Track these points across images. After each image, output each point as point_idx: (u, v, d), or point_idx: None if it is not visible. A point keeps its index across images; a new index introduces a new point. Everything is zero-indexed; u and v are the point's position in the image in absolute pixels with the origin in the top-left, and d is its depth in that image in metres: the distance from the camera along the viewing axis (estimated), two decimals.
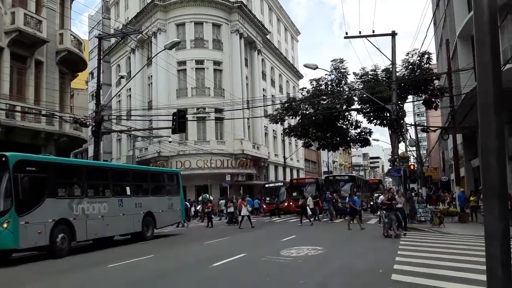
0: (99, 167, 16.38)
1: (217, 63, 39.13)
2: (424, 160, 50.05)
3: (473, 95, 15.66)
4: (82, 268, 10.70)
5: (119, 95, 39.81)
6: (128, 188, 16.66)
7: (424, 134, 69.20)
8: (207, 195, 32.51)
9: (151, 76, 39.92)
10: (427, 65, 25.87)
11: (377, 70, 27.39)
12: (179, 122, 18.73)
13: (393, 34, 22.79)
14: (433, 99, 26.65)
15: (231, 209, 25.54)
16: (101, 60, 22.06)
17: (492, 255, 2.42)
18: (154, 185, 18.78)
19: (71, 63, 23.88)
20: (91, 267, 10.85)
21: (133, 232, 16.91)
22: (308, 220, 22.83)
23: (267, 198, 34.08)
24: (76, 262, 11.85)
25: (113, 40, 43.67)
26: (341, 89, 28.75)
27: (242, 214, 22.48)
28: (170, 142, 33.21)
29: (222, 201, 31.20)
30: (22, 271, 10.84)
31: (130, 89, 41.18)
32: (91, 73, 49.97)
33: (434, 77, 26.59)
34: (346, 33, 23.03)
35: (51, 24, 22.03)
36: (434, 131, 33.69)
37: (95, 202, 14.49)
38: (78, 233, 13.53)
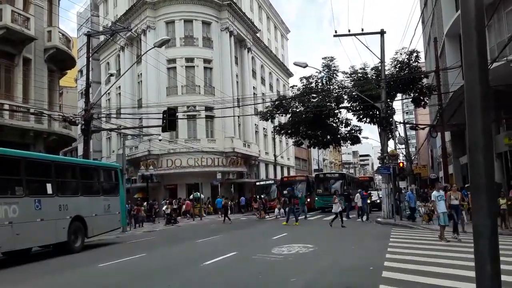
0: (5, 156, 11.83)
1: (207, 61, 39.03)
2: (413, 157, 50.45)
3: (461, 93, 15.84)
4: None
5: (108, 93, 39.52)
6: (49, 186, 13.05)
7: (413, 132, 69.74)
8: (198, 194, 32.50)
9: (141, 74, 39.69)
10: (416, 63, 26.07)
11: (366, 68, 27.55)
12: (170, 120, 18.59)
13: (382, 33, 22.90)
14: (422, 97, 26.88)
15: (168, 210, 26.93)
16: (90, 58, 21.91)
17: (481, 251, 2.45)
18: (85, 182, 15.48)
19: (59, 61, 23.68)
20: None
21: (56, 243, 13.42)
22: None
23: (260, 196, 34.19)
24: None
25: (102, 37, 43.31)
26: (331, 87, 28.86)
27: (333, 211, 19.74)
28: (160, 140, 33.06)
29: (163, 202, 31.45)
30: None
31: (119, 87, 40.90)
32: (80, 71, 49.56)
33: (422, 76, 26.79)
34: (336, 31, 23.04)
35: (39, 21, 21.81)
36: (423, 129, 33.97)
37: (0, 204, 11.12)
38: None
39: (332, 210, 20.04)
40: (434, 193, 13.56)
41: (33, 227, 12.00)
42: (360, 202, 23.44)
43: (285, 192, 29.84)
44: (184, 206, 32.30)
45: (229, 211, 27.73)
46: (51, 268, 10.94)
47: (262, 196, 32.94)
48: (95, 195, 15.68)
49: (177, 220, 27.74)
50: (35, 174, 12.90)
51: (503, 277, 2.67)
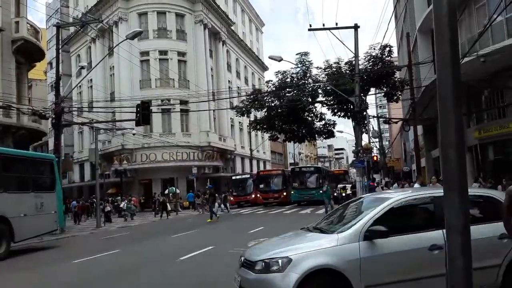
0: None
1: (181, 54, 38.57)
2: (386, 151, 51.30)
3: (433, 88, 16.12)
4: None
5: (80, 86, 38.57)
6: None
7: (387, 126, 70.95)
8: (174, 188, 32.22)
9: (113, 66, 38.90)
10: (389, 58, 26.41)
11: (340, 62, 27.77)
12: (143, 114, 18.31)
13: (356, 27, 23.06)
14: (394, 92, 27.29)
15: (108, 208, 26.15)
16: (60, 50, 21.36)
17: (453, 246, 2.47)
18: (11, 175, 12.90)
19: (28, 53, 22.99)
20: None
21: None
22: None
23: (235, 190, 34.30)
24: None
25: (72, 29, 42.17)
26: (306, 81, 28.99)
27: None
28: (134, 134, 32.55)
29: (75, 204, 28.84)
30: None
31: (91, 79, 40.01)
32: (50, 63, 48.12)
33: (395, 70, 27.20)
34: (310, 25, 23.16)
35: (6, 12, 21.10)
36: (396, 122, 34.55)
37: None
38: None
39: None
40: (416, 185, 13.85)
41: None
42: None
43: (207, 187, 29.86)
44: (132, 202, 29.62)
45: (168, 207, 27.30)
46: None
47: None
48: (23, 191, 13.13)
49: (111, 219, 26.01)
50: None
51: None
